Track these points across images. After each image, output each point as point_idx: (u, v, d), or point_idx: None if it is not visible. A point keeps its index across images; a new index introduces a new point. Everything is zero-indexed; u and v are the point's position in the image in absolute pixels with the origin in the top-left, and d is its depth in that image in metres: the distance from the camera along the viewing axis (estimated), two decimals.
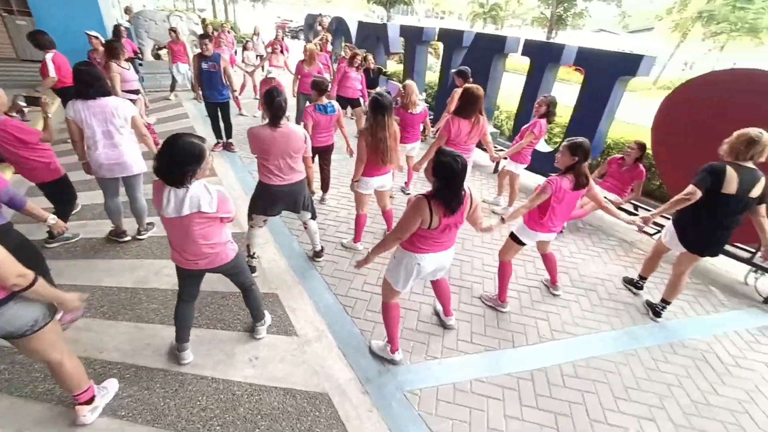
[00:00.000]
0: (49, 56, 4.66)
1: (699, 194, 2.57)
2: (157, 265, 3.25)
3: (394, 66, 10.66)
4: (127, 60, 5.21)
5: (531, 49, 5.31)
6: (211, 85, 5.17)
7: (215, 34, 8.85)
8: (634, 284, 3.46)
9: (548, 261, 3.21)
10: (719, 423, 2.37)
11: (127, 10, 13.13)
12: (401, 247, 2.25)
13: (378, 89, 5.73)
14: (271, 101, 2.64)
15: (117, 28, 7.44)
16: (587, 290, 3.40)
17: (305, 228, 3.33)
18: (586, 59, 4.76)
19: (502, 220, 2.79)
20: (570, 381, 2.53)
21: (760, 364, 2.80)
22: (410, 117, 4.27)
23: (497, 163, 5.86)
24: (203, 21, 9.09)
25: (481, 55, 5.85)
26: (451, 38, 6.60)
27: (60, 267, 3.10)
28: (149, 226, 3.64)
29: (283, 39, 8.97)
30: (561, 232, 3.14)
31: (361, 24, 8.88)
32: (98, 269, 3.19)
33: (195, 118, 7.14)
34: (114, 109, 2.98)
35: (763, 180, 2.55)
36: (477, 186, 5.45)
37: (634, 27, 34.05)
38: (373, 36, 8.20)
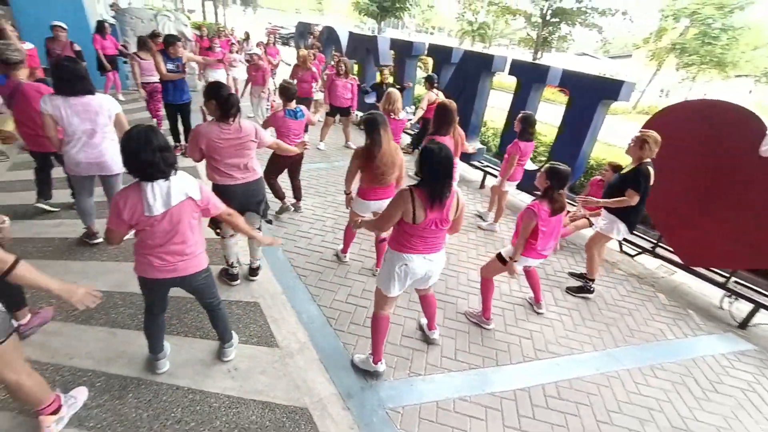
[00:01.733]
0: None
1: (638, 198, 3.12)
2: None
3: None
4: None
5: (517, 69, 5.46)
6: (175, 86, 5.07)
7: (211, 37, 8.80)
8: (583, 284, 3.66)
9: (531, 278, 3.26)
10: None
11: (114, 6, 12.89)
12: (390, 248, 2.26)
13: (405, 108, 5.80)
14: (220, 96, 2.54)
15: (101, 24, 7.29)
16: (570, 309, 3.45)
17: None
18: (571, 81, 4.93)
19: (510, 260, 2.83)
20: (553, 402, 2.54)
21: (736, 389, 2.86)
22: (393, 123, 4.30)
23: (483, 179, 5.98)
24: (199, 26, 8.96)
25: (470, 72, 5.98)
26: (440, 54, 6.75)
27: (36, 265, 2.95)
28: None
29: (274, 44, 8.98)
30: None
31: (351, 35, 8.96)
32: (72, 271, 3.06)
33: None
34: (99, 107, 2.89)
35: None
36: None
37: (615, 53, 35.53)
38: (363, 47, 8.27)
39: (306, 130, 6.05)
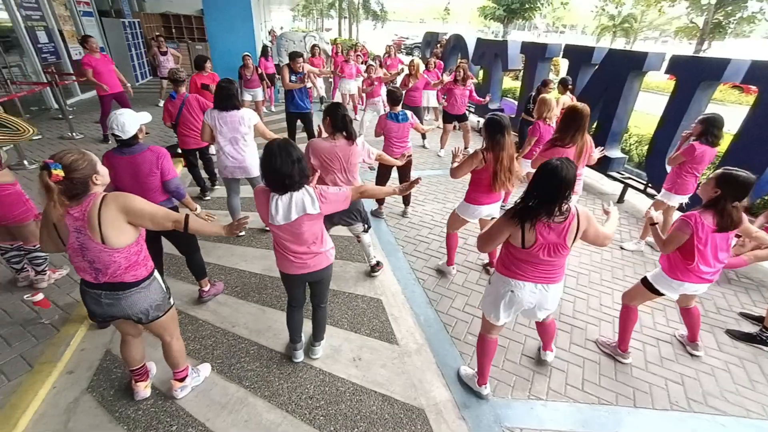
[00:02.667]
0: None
1: None
2: None
3: (509, 82, 10.34)
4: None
5: (681, 66, 4.64)
6: (298, 97, 5.50)
7: (345, 53, 9.76)
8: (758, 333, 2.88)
9: (690, 316, 2.72)
10: None
11: (271, 32, 15.30)
12: (496, 271, 2.11)
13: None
14: (336, 114, 2.71)
15: (264, 49, 8.72)
16: (743, 360, 2.78)
17: (358, 241, 3.35)
18: (763, 76, 3.93)
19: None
20: None
21: None
22: (548, 129, 4.05)
23: (622, 193, 5.25)
24: (334, 41, 10.04)
25: (614, 73, 5.31)
26: (578, 55, 6.16)
27: (208, 247, 3.72)
28: None
29: (394, 55, 9.45)
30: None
31: (479, 41, 8.83)
32: (236, 254, 3.73)
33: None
34: (241, 119, 3.42)
35: None
36: (600, 219, 4.93)
37: None
38: (491, 53, 8.08)
39: (424, 137, 6.18)
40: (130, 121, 2.31)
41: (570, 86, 5.46)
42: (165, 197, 2.60)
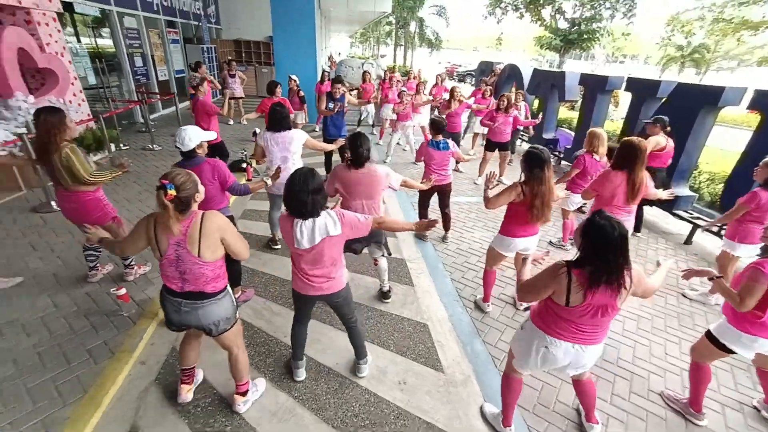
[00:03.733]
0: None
1: None
2: None
3: (564, 113, 10.13)
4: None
5: (765, 100, 4.33)
6: (333, 123, 5.64)
7: (397, 77, 10.10)
8: None
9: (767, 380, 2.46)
10: None
11: (330, 58, 16.23)
12: (531, 320, 1.97)
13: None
14: (355, 147, 2.80)
15: (323, 74, 9.26)
16: None
17: (375, 264, 3.35)
18: None
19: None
20: None
21: None
22: (594, 163, 3.98)
23: (690, 234, 4.89)
24: (392, 68, 10.43)
25: (683, 108, 5.06)
26: (643, 88, 5.94)
27: (265, 258, 3.95)
28: None
29: (441, 83, 9.60)
30: None
31: (536, 71, 8.79)
32: (289, 266, 3.91)
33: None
34: (291, 139, 3.67)
35: None
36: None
37: None
38: (547, 83, 8.01)
39: (457, 162, 6.10)
40: (192, 136, 2.62)
41: (668, 126, 4.65)
42: (223, 205, 2.90)
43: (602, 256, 1.64)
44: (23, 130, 4.66)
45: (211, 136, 2.79)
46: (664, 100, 5.51)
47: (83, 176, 2.86)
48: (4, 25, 4.98)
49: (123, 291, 2.98)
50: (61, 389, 2.38)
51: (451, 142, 4.09)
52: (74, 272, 3.52)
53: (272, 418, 2.34)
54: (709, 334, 2.30)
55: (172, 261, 1.86)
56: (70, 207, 3.02)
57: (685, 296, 3.78)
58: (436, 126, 4.13)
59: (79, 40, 7.90)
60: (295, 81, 7.68)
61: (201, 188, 1.92)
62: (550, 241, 4.68)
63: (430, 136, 4.23)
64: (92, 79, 7.92)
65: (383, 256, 3.30)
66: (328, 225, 2.05)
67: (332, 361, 2.78)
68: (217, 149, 5.28)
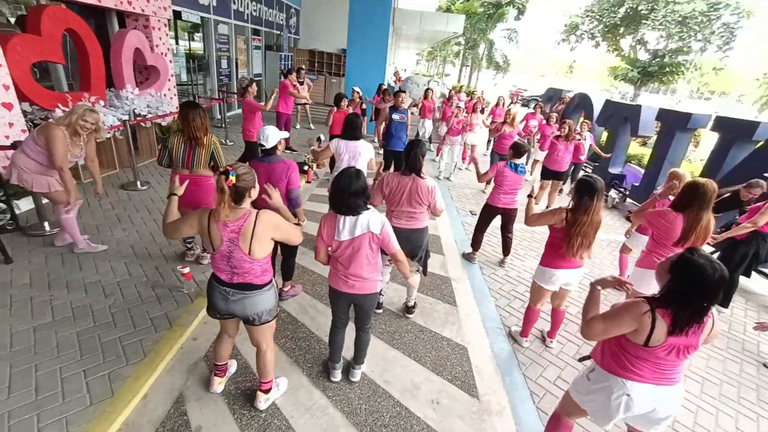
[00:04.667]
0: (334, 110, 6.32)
1: None
2: None
3: (636, 148, 9.51)
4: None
5: None
6: (396, 135, 5.69)
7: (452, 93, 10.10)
8: None
9: None
10: None
11: (395, 74, 16.65)
12: (601, 366, 1.78)
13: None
14: (408, 151, 2.91)
15: (380, 87, 9.46)
16: None
17: (406, 278, 3.24)
18: None
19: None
20: None
21: None
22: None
23: None
24: (456, 88, 10.46)
25: None
26: (734, 129, 5.44)
27: (300, 250, 4.11)
28: None
29: (503, 105, 9.44)
30: None
31: (608, 102, 8.39)
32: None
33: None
34: (362, 150, 3.83)
35: None
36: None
37: None
38: (619, 116, 7.60)
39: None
40: (272, 135, 2.88)
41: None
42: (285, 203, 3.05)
43: (695, 298, 1.52)
44: (126, 117, 5.30)
45: (285, 135, 3.02)
46: (760, 143, 5.00)
47: (223, 160, 3.38)
48: (128, 29, 5.76)
49: (187, 269, 3.24)
50: (126, 349, 2.63)
51: (528, 168, 4.01)
52: (147, 245, 3.90)
53: (305, 413, 2.41)
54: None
55: (224, 255, 1.95)
56: (189, 189, 3.28)
57: (766, 366, 3.35)
58: (517, 149, 4.02)
59: (177, 43, 8.86)
60: (358, 93, 7.99)
61: (257, 186, 2.01)
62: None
63: (472, 153, 4.19)
64: (184, 77, 8.82)
65: (418, 271, 3.28)
66: (370, 221, 2.19)
67: (367, 368, 2.80)
68: (248, 146, 5.74)
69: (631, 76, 22.90)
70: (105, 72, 5.33)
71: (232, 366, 2.65)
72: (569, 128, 5.90)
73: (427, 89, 9.42)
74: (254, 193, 1.98)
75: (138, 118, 5.65)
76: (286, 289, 3.47)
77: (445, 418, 2.48)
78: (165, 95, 6.52)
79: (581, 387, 1.90)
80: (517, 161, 4.00)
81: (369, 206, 2.24)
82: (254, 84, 5.66)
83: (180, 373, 2.58)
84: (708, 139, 7.70)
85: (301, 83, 9.63)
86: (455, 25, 11.11)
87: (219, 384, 2.47)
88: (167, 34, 6.71)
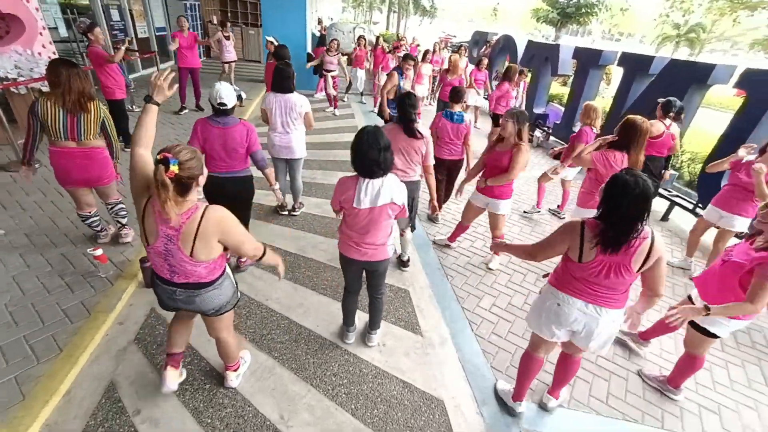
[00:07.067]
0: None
1: None
2: (315, 240, 3.81)
3: (557, 88, 10.02)
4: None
5: (753, 80, 4.34)
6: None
7: (385, 45, 9.74)
8: None
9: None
10: None
11: (319, 22, 15.55)
12: (548, 282, 2.00)
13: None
14: (402, 106, 2.89)
15: (322, 38, 8.86)
16: None
17: (402, 235, 3.34)
18: None
19: (706, 309, 2.02)
20: None
21: None
22: (594, 135, 3.90)
23: (667, 211, 5.00)
24: (378, 37, 10.02)
25: (673, 85, 5.05)
26: (635, 63, 5.89)
27: (252, 225, 3.89)
28: (301, 205, 4.31)
29: (439, 52, 9.39)
30: None
31: (530, 43, 8.61)
32: (274, 233, 3.90)
33: (358, 117, 8.08)
34: (294, 104, 3.53)
35: None
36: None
37: None
38: (541, 56, 7.86)
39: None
40: (230, 94, 2.59)
41: (672, 112, 4.02)
42: (246, 165, 2.87)
43: (618, 211, 1.61)
44: None
45: (240, 91, 2.81)
46: (654, 76, 5.48)
47: (113, 131, 2.99)
48: None
49: (100, 251, 2.91)
50: (35, 347, 2.35)
51: (467, 118, 3.74)
52: (47, 232, 3.41)
53: (251, 376, 2.38)
54: (695, 325, 2.20)
55: (160, 253, 1.62)
56: (81, 164, 2.87)
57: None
58: (453, 95, 3.76)
59: None
60: (272, 44, 7.34)
61: (205, 171, 1.66)
62: (549, 209, 4.83)
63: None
64: (63, 31, 7.43)
65: (409, 227, 3.34)
66: (394, 191, 2.04)
67: (313, 324, 2.81)
68: (115, 107, 5.00)
69: (552, 17, 23.69)
70: None
71: None
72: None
73: (360, 37, 8.95)
74: (202, 180, 1.63)
75: (5, 83, 4.68)
76: (243, 260, 3.27)
77: (391, 357, 2.60)
78: (40, 54, 5.45)
79: (534, 307, 2.09)
80: (455, 109, 3.75)
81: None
82: (97, 28, 4.72)
83: (107, 360, 2.38)
84: (617, 77, 8.32)
85: (228, 38, 8.52)
86: None
87: (173, 378, 2.10)
88: None
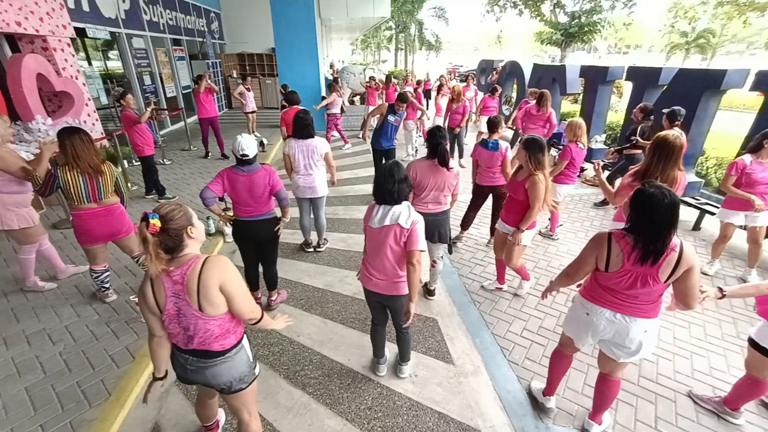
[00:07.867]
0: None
1: None
2: (341, 274, 3.90)
3: (568, 106, 10.10)
4: None
5: None
6: (386, 137, 5.42)
7: (395, 82, 10.22)
8: None
9: None
10: None
11: (331, 66, 16.47)
12: (579, 293, 2.06)
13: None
14: (434, 143, 2.97)
15: (328, 80, 9.42)
16: None
17: (432, 266, 3.38)
18: None
19: (720, 291, 2.00)
20: None
21: None
22: (579, 152, 4.00)
23: (698, 220, 4.84)
24: (388, 75, 10.52)
25: (685, 93, 5.05)
26: (643, 77, 5.95)
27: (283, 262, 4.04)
28: (325, 241, 4.44)
29: (447, 83, 9.73)
30: None
31: (536, 66, 8.83)
32: (300, 269, 4.02)
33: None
34: (315, 147, 3.80)
35: None
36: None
37: None
38: (548, 77, 8.03)
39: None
40: (251, 144, 2.83)
41: (677, 120, 4.13)
42: (270, 208, 3.06)
43: (647, 222, 1.66)
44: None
45: (261, 139, 3.01)
46: (665, 87, 5.50)
47: (124, 185, 3.20)
48: (23, 54, 5.23)
49: None
50: (87, 392, 2.49)
51: (502, 145, 3.84)
52: (95, 283, 3.65)
53: (287, 413, 2.42)
54: (752, 341, 2.11)
55: (173, 316, 1.56)
56: (105, 221, 3.07)
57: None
58: (489, 125, 4.03)
59: (90, 63, 8.19)
60: (281, 92, 7.78)
61: (198, 224, 1.62)
62: (540, 231, 4.75)
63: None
64: (104, 100, 8.20)
65: (441, 258, 3.38)
66: (401, 215, 2.16)
67: (344, 358, 2.85)
68: (146, 162, 5.55)
69: (556, 38, 24.11)
70: (3, 103, 4.85)
71: (221, 416, 2.38)
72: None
73: (371, 78, 9.48)
74: (195, 232, 1.58)
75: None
76: (273, 297, 3.41)
77: (424, 388, 2.58)
78: (85, 122, 6.03)
79: (567, 314, 2.17)
80: (491, 138, 3.93)
81: (407, 200, 2.24)
82: (128, 95, 5.33)
83: (152, 403, 2.48)
84: (628, 90, 8.36)
85: (249, 90, 9.08)
86: (382, 9, 11.11)
87: None
88: (73, 55, 6.17)
